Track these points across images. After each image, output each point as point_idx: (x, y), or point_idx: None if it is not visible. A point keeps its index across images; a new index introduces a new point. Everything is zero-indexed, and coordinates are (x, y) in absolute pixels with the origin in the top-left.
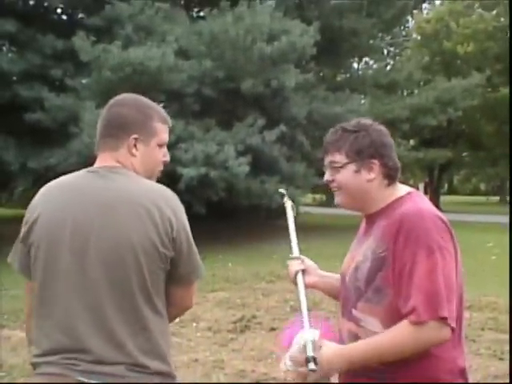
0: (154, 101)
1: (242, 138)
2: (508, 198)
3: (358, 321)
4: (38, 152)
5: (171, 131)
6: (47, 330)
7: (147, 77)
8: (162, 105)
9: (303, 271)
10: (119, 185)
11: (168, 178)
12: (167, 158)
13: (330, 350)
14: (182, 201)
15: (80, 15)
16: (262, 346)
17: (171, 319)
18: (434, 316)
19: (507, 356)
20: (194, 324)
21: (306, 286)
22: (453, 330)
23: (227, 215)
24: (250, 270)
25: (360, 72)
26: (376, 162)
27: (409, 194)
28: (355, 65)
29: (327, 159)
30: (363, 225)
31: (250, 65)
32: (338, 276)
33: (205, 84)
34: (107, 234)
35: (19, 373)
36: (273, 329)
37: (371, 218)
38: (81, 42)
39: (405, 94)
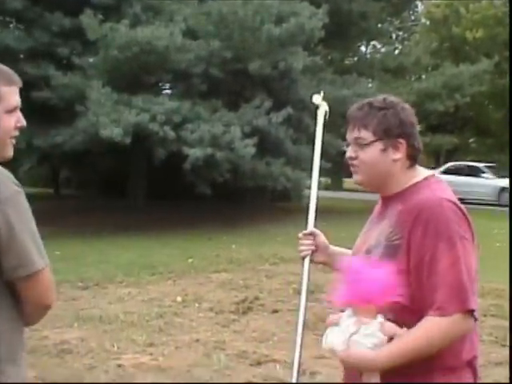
0: (161, 81)
1: (249, 119)
2: None
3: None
4: (44, 130)
5: (178, 111)
6: None
7: (155, 56)
8: (168, 85)
9: (313, 251)
10: None
11: (174, 158)
12: (22, 123)
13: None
14: (187, 181)
15: None
16: (264, 328)
17: (29, 320)
18: (460, 309)
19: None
20: (197, 304)
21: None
22: (476, 320)
23: (232, 196)
24: (253, 252)
25: (368, 56)
26: (403, 141)
27: (426, 178)
28: (363, 48)
29: (352, 135)
30: (379, 206)
31: (258, 46)
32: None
33: (212, 64)
34: None
35: None
36: (275, 311)
37: (387, 200)
38: (88, 20)
39: (412, 78)
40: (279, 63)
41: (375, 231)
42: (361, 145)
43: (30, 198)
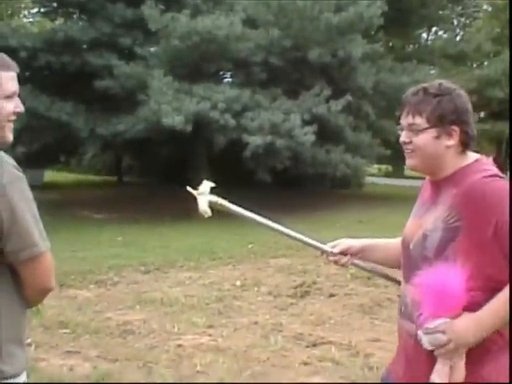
0: (221, 69)
1: (309, 107)
2: None
3: None
4: (106, 119)
5: (238, 100)
6: None
7: (215, 45)
8: (228, 74)
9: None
10: None
11: (234, 145)
12: (20, 109)
13: (466, 318)
14: (247, 169)
15: None
16: (320, 311)
17: (30, 302)
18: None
19: None
20: (256, 288)
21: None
22: None
23: (292, 183)
24: (312, 238)
25: (429, 42)
26: (457, 128)
27: (477, 161)
28: (424, 35)
29: (406, 120)
30: (428, 190)
31: (317, 34)
32: (382, 242)
33: (272, 53)
34: None
35: (83, 330)
36: (332, 295)
37: (438, 184)
38: (150, 10)
39: (474, 65)
40: (338, 51)
41: (430, 216)
42: (414, 131)
43: (94, 185)
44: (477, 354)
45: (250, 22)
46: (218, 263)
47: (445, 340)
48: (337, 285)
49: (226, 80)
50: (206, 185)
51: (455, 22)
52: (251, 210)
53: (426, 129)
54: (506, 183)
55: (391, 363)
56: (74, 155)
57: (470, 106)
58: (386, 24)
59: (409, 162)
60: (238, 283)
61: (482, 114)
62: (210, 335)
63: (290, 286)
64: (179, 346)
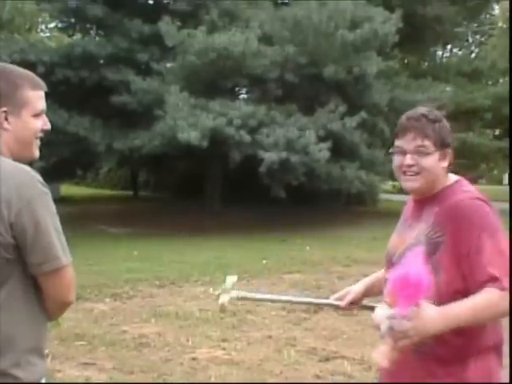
0: (237, 86)
1: (323, 123)
2: None
3: None
4: (123, 133)
5: (253, 116)
6: None
7: (231, 62)
8: (244, 90)
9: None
10: None
11: (249, 161)
12: (48, 126)
13: (432, 309)
14: (262, 184)
15: (166, 0)
16: (333, 326)
17: (50, 315)
18: (509, 286)
19: None
20: (269, 303)
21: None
22: None
23: (307, 200)
24: (327, 254)
25: (444, 59)
26: (449, 151)
27: (457, 182)
28: (440, 52)
29: (413, 143)
30: (410, 208)
31: (333, 51)
32: (375, 276)
33: (287, 69)
34: None
35: (99, 342)
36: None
37: (422, 202)
38: (167, 26)
39: (489, 82)
40: (353, 68)
41: (413, 231)
42: (423, 153)
43: (110, 199)
44: (460, 356)
45: (266, 39)
46: None
47: (408, 326)
48: None
49: (241, 96)
50: (230, 280)
51: (470, 40)
52: (266, 226)
53: (434, 151)
54: (485, 203)
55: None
56: (91, 169)
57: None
58: (401, 41)
59: (412, 184)
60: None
61: (497, 132)
62: (224, 349)
63: None
64: (194, 359)
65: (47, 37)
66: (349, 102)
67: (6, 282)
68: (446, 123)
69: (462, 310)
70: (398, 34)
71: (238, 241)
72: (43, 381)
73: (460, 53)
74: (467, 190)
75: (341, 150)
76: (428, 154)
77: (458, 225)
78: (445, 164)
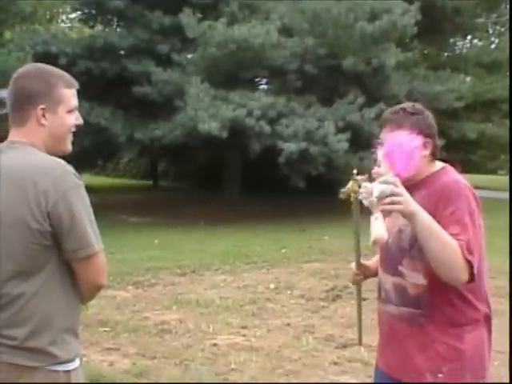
0: (257, 77)
1: (342, 114)
2: None
3: (403, 275)
4: (144, 124)
5: (273, 107)
6: None
7: (251, 53)
8: (264, 81)
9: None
10: (9, 161)
11: (269, 152)
12: (80, 121)
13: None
14: (282, 175)
15: None
16: (351, 314)
17: (83, 297)
18: (467, 257)
19: None
20: (289, 291)
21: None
22: (473, 278)
23: (326, 190)
24: (345, 244)
25: (464, 50)
26: (430, 141)
27: (443, 168)
28: (459, 43)
29: (388, 135)
30: None
31: (352, 43)
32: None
33: (307, 61)
34: None
35: (122, 328)
36: (363, 299)
37: (411, 188)
38: (187, 18)
39: (508, 73)
40: (372, 60)
41: None
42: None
43: (130, 189)
44: (456, 329)
45: (286, 31)
46: (252, 267)
47: (396, 191)
48: (368, 289)
49: (261, 87)
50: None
51: (490, 30)
52: (286, 216)
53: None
54: (466, 187)
55: (378, 359)
56: (112, 159)
57: (435, 124)
58: (420, 32)
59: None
60: (272, 286)
61: None
62: (244, 335)
63: (322, 289)
64: (214, 345)
65: (68, 27)
66: (367, 94)
67: (44, 266)
68: (427, 116)
69: (434, 222)
70: (417, 26)
71: (257, 230)
72: (77, 360)
73: (480, 44)
74: (451, 175)
75: (359, 140)
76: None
77: (439, 205)
78: (425, 152)
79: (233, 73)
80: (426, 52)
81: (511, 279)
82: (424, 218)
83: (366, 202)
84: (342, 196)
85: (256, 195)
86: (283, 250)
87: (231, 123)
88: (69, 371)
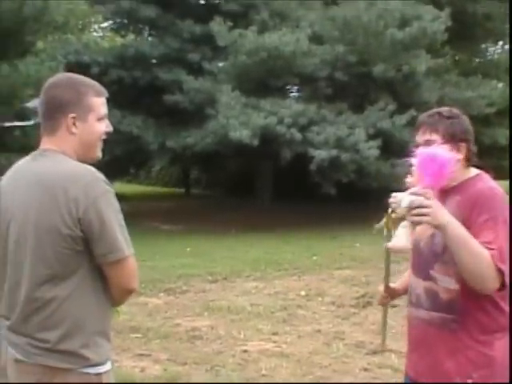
0: (287, 84)
1: (373, 121)
2: None
3: (435, 280)
4: (175, 132)
5: (304, 114)
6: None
7: (281, 61)
8: (295, 88)
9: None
10: (40, 169)
11: (300, 159)
12: (110, 129)
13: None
14: (313, 182)
15: (217, 0)
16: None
17: (114, 301)
18: (500, 267)
19: None
20: (320, 298)
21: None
22: (504, 286)
23: (357, 197)
24: (376, 250)
25: (495, 56)
26: (464, 145)
27: (478, 175)
28: (492, 49)
29: (423, 137)
30: (436, 199)
31: (382, 50)
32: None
33: (337, 68)
34: (20, 216)
35: (154, 335)
36: (394, 306)
37: (445, 193)
38: (218, 27)
39: None
40: (403, 66)
41: None
42: (432, 146)
43: (162, 197)
44: (487, 335)
45: (316, 38)
46: (283, 274)
47: (425, 203)
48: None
49: (292, 95)
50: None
51: None
52: (317, 223)
53: (442, 144)
54: (501, 193)
55: (407, 365)
56: (144, 167)
57: (472, 129)
58: (451, 38)
59: None
60: (303, 293)
61: None
62: (274, 342)
63: (353, 296)
64: (245, 351)
65: (100, 37)
66: (398, 100)
67: (76, 271)
68: (463, 120)
69: (465, 232)
70: (448, 32)
71: (288, 237)
72: (109, 363)
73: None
74: (486, 181)
75: (390, 147)
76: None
77: (473, 211)
78: (458, 156)
79: (263, 81)
80: (457, 58)
81: (511, 280)
82: (455, 229)
83: (397, 211)
84: (375, 232)
85: (287, 202)
86: (314, 257)
87: (262, 131)
88: (100, 374)
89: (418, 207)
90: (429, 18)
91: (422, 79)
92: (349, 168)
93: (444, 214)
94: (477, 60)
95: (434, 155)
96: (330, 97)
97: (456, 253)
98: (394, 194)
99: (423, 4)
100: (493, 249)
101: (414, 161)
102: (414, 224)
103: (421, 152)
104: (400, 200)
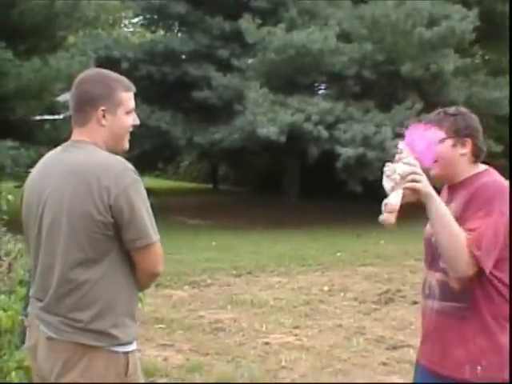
0: (315, 82)
1: (400, 120)
2: None
3: (445, 271)
4: (204, 128)
5: (331, 112)
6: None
7: (309, 59)
8: (322, 86)
9: None
10: (73, 159)
11: (326, 156)
12: (137, 122)
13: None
14: (339, 179)
15: None
16: (403, 317)
17: (140, 285)
18: (476, 252)
19: None
20: (342, 294)
21: None
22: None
23: (383, 195)
24: (400, 248)
25: None
26: (469, 140)
27: (486, 170)
28: None
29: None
30: (445, 194)
31: (410, 49)
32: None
33: (365, 67)
34: (53, 203)
35: (177, 326)
36: (415, 302)
37: (454, 188)
38: (247, 24)
39: None
40: (431, 65)
41: None
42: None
43: (190, 192)
44: (496, 323)
45: (344, 36)
46: (306, 269)
47: (417, 171)
48: (419, 293)
49: (319, 92)
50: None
51: None
52: (342, 220)
53: (445, 139)
54: (503, 186)
55: (419, 354)
56: (172, 163)
57: (479, 126)
58: (480, 38)
59: (433, 171)
60: (326, 288)
61: None
62: (295, 335)
63: (375, 292)
64: (266, 343)
65: (130, 32)
66: (426, 99)
67: (107, 254)
68: (468, 117)
69: (448, 211)
70: (477, 32)
71: (313, 234)
72: (135, 343)
73: None
74: (492, 175)
75: None
76: (440, 141)
77: (479, 199)
78: (463, 150)
79: (291, 78)
80: (487, 58)
81: (511, 280)
82: (440, 203)
83: (388, 181)
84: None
85: (314, 199)
86: (338, 254)
87: (289, 128)
88: (127, 352)
89: (411, 174)
90: (457, 18)
91: (450, 78)
92: (375, 166)
93: (431, 187)
94: (506, 59)
95: (421, 134)
96: (357, 95)
97: (435, 229)
98: (387, 164)
99: (452, 3)
100: (471, 234)
101: (405, 139)
102: (407, 190)
103: (410, 131)
104: (394, 168)
